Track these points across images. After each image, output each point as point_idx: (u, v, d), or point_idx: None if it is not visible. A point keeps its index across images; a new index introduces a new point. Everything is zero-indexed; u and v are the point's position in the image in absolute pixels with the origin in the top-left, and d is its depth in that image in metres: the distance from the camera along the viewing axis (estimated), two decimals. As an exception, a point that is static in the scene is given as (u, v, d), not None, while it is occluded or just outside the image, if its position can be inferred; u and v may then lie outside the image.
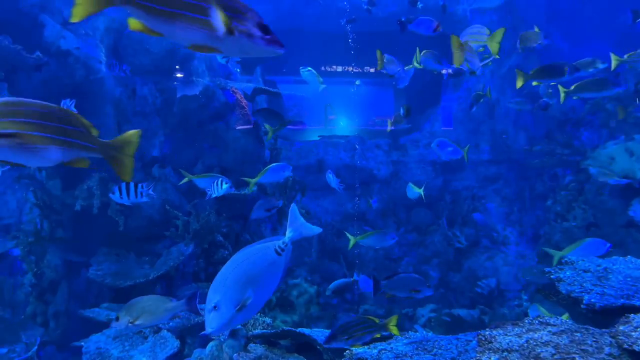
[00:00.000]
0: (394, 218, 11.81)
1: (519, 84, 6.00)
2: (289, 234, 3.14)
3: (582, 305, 3.88)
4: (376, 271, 11.29)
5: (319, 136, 12.78)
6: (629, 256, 4.79)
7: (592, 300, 3.84)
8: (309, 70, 7.77)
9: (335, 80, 14.22)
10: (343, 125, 14.33)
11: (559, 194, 8.90)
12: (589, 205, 8.16)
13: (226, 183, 6.29)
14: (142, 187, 5.29)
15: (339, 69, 14.48)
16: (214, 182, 6.25)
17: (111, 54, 7.45)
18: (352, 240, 6.72)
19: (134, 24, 2.13)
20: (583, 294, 3.97)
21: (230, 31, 2.06)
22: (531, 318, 3.78)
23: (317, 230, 3.33)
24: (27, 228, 6.85)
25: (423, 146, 12.31)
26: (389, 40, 10.72)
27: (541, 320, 3.69)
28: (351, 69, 13.47)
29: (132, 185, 5.27)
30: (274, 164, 6.35)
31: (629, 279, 4.11)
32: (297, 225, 3.21)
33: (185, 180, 6.50)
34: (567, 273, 4.39)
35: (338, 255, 11.34)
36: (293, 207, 3.27)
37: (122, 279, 7.09)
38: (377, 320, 4.25)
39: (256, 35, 2.09)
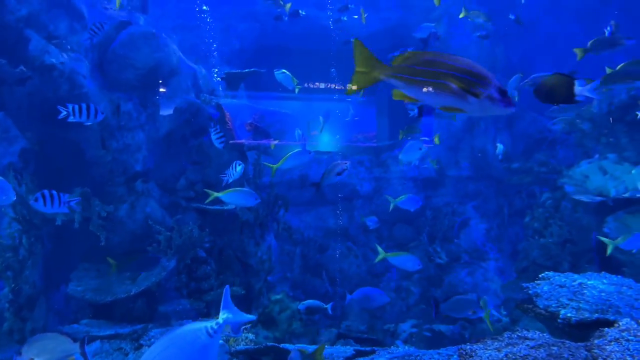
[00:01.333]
0: (376, 234, 11.90)
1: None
2: (223, 315, 2.92)
3: (558, 320, 4.00)
4: (358, 287, 11.33)
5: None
6: (603, 272, 4.95)
7: (568, 314, 3.97)
8: (283, 72, 7.88)
9: (318, 97, 14.38)
10: (326, 141, 14.45)
11: (536, 210, 9.11)
12: (565, 222, 8.37)
13: (239, 165, 6.48)
14: (63, 196, 5.33)
15: (322, 85, 14.65)
16: (229, 168, 6.50)
17: (96, 69, 7.46)
18: (381, 254, 6.87)
19: (397, 94, 2.56)
20: (559, 308, 4.09)
21: (476, 95, 2.40)
22: (510, 333, 3.89)
23: (251, 318, 3.23)
24: (6, 243, 6.74)
25: (404, 162, 12.49)
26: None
27: (519, 334, 3.80)
28: (334, 86, 13.65)
29: (55, 194, 5.28)
30: (295, 151, 6.47)
31: (603, 294, 4.25)
32: (233, 309, 2.98)
33: (212, 198, 6.63)
34: (544, 288, 4.52)
35: (320, 270, 11.37)
36: (226, 289, 3.12)
37: (102, 295, 7.01)
38: (305, 352, 4.43)
39: (497, 98, 2.41)
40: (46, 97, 6.89)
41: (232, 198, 6.62)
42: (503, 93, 2.41)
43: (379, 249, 6.98)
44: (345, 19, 11.57)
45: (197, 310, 7.43)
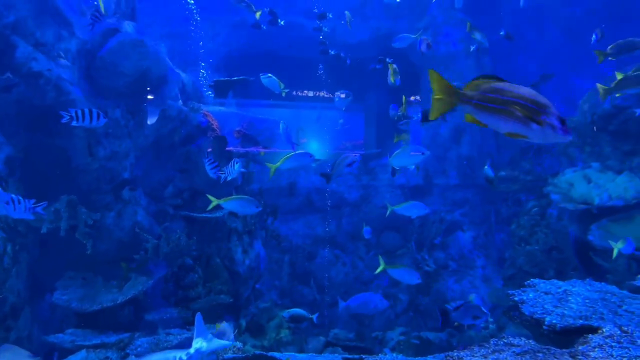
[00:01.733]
0: (364, 241, 11.94)
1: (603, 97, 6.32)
2: (195, 344, 2.88)
3: (544, 326, 4.05)
4: (346, 294, 11.35)
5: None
6: (587, 279, 5.03)
7: (553, 321, 4.02)
8: (269, 76, 7.91)
9: (307, 104, 14.45)
10: (314, 148, 14.49)
11: (522, 218, 9.22)
12: (551, 230, 8.47)
13: (237, 163, 6.45)
14: (28, 202, 5.29)
15: (310, 93, 14.72)
16: (228, 166, 6.47)
17: (83, 76, 7.42)
18: (382, 266, 6.90)
19: (468, 118, 2.78)
20: (545, 315, 4.14)
21: (539, 123, 2.58)
22: (496, 339, 3.92)
23: (226, 345, 3.15)
24: (-10, 251, 6.65)
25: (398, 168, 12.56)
26: (359, 66, 11.03)
27: (506, 341, 3.84)
28: (323, 93, 13.72)
29: (22, 200, 5.23)
30: (297, 152, 6.48)
31: (587, 301, 4.31)
32: (207, 337, 2.94)
33: (214, 204, 6.56)
34: (530, 295, 4.57)
35: (309, 278, 11.36)
36: (198, 317, 3.04)
37: (88, 304, 6.94)
38: None
39: (557, 126, 2.58)
40: (33, 104, 6.84)
41: (233, 205, 6.57)
42: (562, 121, 2.58)
43: (380, 260, 7.01)
44: (326, 29, 11.66)
45: (184, 319, 7.38)
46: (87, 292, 7.26)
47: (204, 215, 8.09)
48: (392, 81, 6.92)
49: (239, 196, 6.63)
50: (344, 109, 7.05)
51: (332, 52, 11.24)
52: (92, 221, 7.12)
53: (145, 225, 7.69)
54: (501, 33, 8.81)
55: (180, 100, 8.71)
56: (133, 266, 7.21)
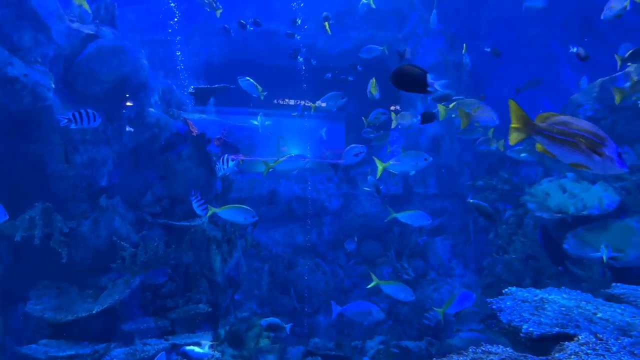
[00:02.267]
0: (344, 250, 11.94)
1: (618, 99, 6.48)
2: None
3: (521, 334, 4.09)
4: (326, 303, 11.32)
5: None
6: (563, 287, 5.11)
7: (530, 329, 4.06)
8: (247, 79, 7.91)
9: (287, 113, 14.45)
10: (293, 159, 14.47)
11: (500, 227, 9.33)
12: (528, 239, 8.59)
13: (232, 160, 6.40)
14: None
15: (292, 102, 14.73)
16: (219, 161, 6.41)
17: (61, 82, 7.31)
18: (375, 281, 6.94)
19: (539, 147, 3.05)
20: (522, 323, 4.19)
21: (600, 155, 2.80)
22: (474, 348, 3.95)
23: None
24: (-39, 260, 6.48)
25: (373, 179, 12.61)
26: (340, 75, 11.07)
27: (484, 349, 3.87)
28: (303, 102, 13.75)
29: None
30: (292, 154, 6.45)
31: (563, 309, 4.37)
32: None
33: (210, 213, 6.54)
34: (508, 303, 4.62)
35: (289, 287, 11.30)
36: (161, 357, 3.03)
37: (63, 314, 6.79)
38: None
39: (615, 158, 2.79)
40: (8, 109, 6.71)
41: (230, 214, 6.53)
42: (619, 155, 2.82)
43: (373, 276, 7.06)
44: (298, 37, 11.74)
45: (162, 329, 7.27)
46: (62, 301, 7.11)
47: (182, 223, 8.02)
48: (373, 93, 6.99)
49: (235, 205, 6.59)
50: (334, 110, 7.07)
51: (314, 63, 11.33)
52: (67, 229, 7.00)
53: (122, 233, 7.58)
54: (487, 49, 8.96)
55: (160, 107, 8.64)
56: None
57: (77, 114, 5.79)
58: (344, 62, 13.20)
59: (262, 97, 8.02)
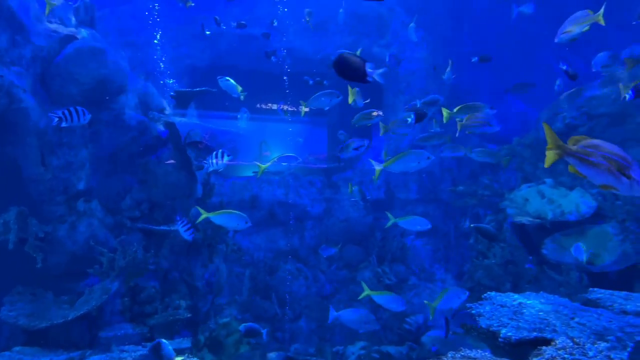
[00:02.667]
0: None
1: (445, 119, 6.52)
2: None
3: (499, 339, 4.11)
4: (307, 308, 11.27)
5: (253, 172, 12.80)
6: (541, 292, 5.16)
7: (509, 333, 4.09)
8: (227, 79, 7.86)
9: (270, 117, 14.42)
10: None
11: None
12: (507, 244, 8.68)
13: (228, 155, 6.30)
14: None
15: (274, 107, 14.69)
16: (212, 155, 6.30)
17: (38, 83, 7.18)
18: (366, 291, 6.97)
19: (571, 169, 3.22)
20: (500, 327, 4.21)
21: (627, 177, 2.98)
22: (454, 352, 3.96)
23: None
24: None
25: (355, 184, 12.63)
26: (322, 80, 11.08)
27: (463, 354, 3.88)
28: (286, 107, 13.74)
29: None
30: (284, 154, 6.45)
31: (541, 313, 4.41)
32: None
33: (202, 217, 6.45)
34: (487, 308, 4.65)
35: (270, 293, 11.22)
36: None
37: (37, 320, 6.64)
38: None
39: None
40: (-18, 111, 6.57)
41: (222, 220, 6.46)
42: None
43: (364, 285, 7.06)
44: (268, 35, 11.79)
45: (141, 335, 7.15)
46: (37, 308, 6.95)
47: (162, 228, 7.91)
48: (350, 102, 6.98)
49: (228, 211, 6.52)
50: (326, 108, 7.05)
51: (288, 62, 11.33)
52: (43, 234, 6.86)
53: (100, 237, 7.45)
54: (474, 59, 9.05)
55: (140, 110, 8.53)
56: None
57: (66, 112, 5.74)
58: (327, 67, 13.26)
59: (242, 97, 7.98)
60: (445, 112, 6.49)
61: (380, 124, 7.36)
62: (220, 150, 6.52)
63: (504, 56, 12.70)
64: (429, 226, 7.42)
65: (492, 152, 7.68)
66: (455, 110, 6.42)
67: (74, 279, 7.33)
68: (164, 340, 6.11)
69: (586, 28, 5.24)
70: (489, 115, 6.38)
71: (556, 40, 5.61)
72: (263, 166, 6.39)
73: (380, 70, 3.98)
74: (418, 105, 7.88)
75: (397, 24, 13.29)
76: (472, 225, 7.36)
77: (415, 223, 7.43)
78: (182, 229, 6.68)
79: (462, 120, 6.32)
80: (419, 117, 6.31)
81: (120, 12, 13.14)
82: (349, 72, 4.00)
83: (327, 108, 7.45)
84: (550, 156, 3.26)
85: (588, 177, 3.15)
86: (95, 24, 8.29)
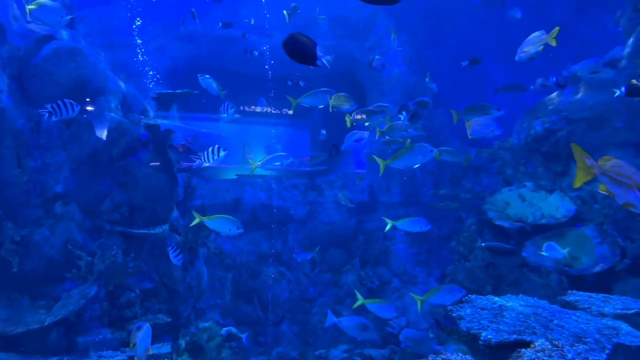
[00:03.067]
0: (309, 258, 11.89)
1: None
2: None
3: (480, 342, 4.13)
4: (290, 312, 11.22)
5: (236, 175, 12.71)
6: (521, 294, 5.20)
7: (489, 336, 4.10)
8: (207, 77, 7.81)
9: (253, 120, 14.35)
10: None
11: (462, 235, 9.48)
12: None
13: (224, 150, 6.26)
14: None
15: (258, 109, 14.63)
16: (206, 150, 6.25)
17: (15, 83, 7.03)
18: (360, 301, 7.10)
19: (603, 188, 3.39)
20: (481, 330, 4.23)
21: None
22: (434, 356, 3.96)
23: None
24: None
25: (338, 187, 12.63)
26: (306, 83, 11.07)
27: (443, 357, 3.88)
28: (269, 110, 13.69)
29: None
30: (277, 153, 6.48)
31: (520, 316, 4.44)
32: None
33: (196, 221, 6.41)
34: (467, 311, 4.66)
35: (252, 296, 11.15)
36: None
37: (13, 326, 6.49)
38: None
39: None
40: (-44, 111, 6.41)
41: (216, 224, 6.45)
42: None
43: (358, 295, 7.09)
44: (244, 34, 11.84)
45: (119, 340, 7.03)
46: (12, 313, 6.79)
47: (142, 231, 7.81)
48: (332, 106, 6.95)
49: (222, 215, 6.52)
50: (320, 107, 7.03)
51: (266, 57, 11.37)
52: (19, 237, 6.72)
53: (78, 241, 7.32)
54: (463, 63, 9.12)
55: (120, 112, 8.41)
56: None
57: (55, 106, 5.68)
58: (311, 70, 13.26)
59: (222, 96, 7.93)
60: (454, 113, 6.59)
61: (377, 128, 7.37)
62: (216, 145, 6.50)
63: (486, 58, 12.84)
64: (429, 226, 7.43)
65: (454, 152, 7.73)
66: (464, 110, 6.52)
67: (51, 284, 7.18)
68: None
69: (540, 48, 5.80)
70: (490, 120, 6.49)
71: (517, 58, 6.07)
72: (256, 164, 6.42)
73: (329, 57, 3.89)
74: (411, 106, 7.93)
75: (380, 28, 13.35)
76: (484, 245, 7.43)
77: (414, 224, 7.42)
78: (172, 255, 6.73)
79: (470, 121, 6.43)
80: (413, 115, 6.33)
81: (101, 12, 12.98)
82: (299, 53, 3.82)
83: (321, 106, 7.42)
84: (581, 174, 3.44)
85: (616, 196, 3.34)
86: (74, 25, 8.16)
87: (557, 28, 5.54)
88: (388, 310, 6.84)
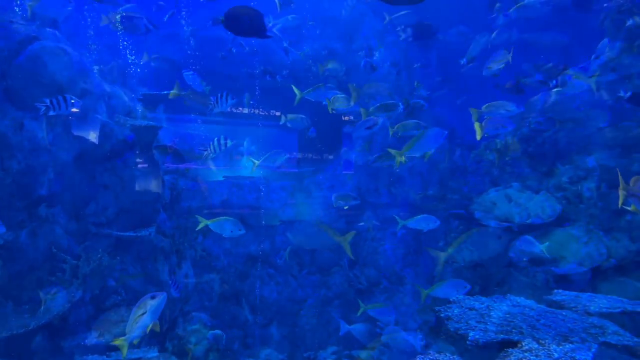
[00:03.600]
0: (297, 259, 11.86)
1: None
2: None
3: (467, 342, 4.14)
4: (279, 314, 11.17)
5: (223, 176, 12.63)
6: (508, 294, 5.22)
7: (476, 336, 4.12)
8: (192, 73, 7.80)
9: (241, 121, 14.28)
10: (248, 165, 14.30)
11: (449, 236, 9.51)
12: (476, 247, 8.80)
13: (230, 141, 6.36)
14: None
15: (245, 110, 14.57)
16: (212, 141, 6.32)
17: (-3, 83, 6.92)
18: (362, 308, 7.63)
19: (634, 208, 3.80)
20: (468, 330, 4.24)
21: None
22: (422, 356, 3.96)
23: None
24: None
25: (326, 188, 12.61)
26: (295, 83, 11.05)
27: (431, 357, 3.88)
28: (257, 111, 13.64)
29: None
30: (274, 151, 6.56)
31: (508, 316, 4.46)
32: None
33: (202, 225, 6.61)
34: (455, 311, 4.68)
35: (240, 298, 11.09)
36: None
37: (-5, 331, 6.38)
38: None
39: None
40: (-63, 112, 6.29)
41: (219, 227, 6.61)
42: None
43: (360, 303, 7.21)
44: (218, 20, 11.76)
45: (105, 344, 6.95)
46: (-5, 317, 6.68)
47: (129, 234, 7.73)
48: (330, 111, 7.05)
49: (224, 217, 6.69)
50: (324, 102, 7.07)
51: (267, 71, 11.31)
52: (2, 240, 6.60)
53: (63, 244, 7.23)
54: (462, 61, 9.21)
55: (105, 114, 8.32)
56: None
57: (54, 100, 5.64)
58: (299, 71, 13.23)
59: (207, 92, 7.92)
60: (473, 111, 6.73)
61: (390, 127, 7.44)
62: (222, 136, 6.63)
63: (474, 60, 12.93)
64: (438, 223, 7.46)
65: (411, 126, 7.83)
66: (483, 108, 6.68)
67: (36, 287, 7.07)
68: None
69: (502, 66, 6.48)
70: (503, 117, 6.65)
71: (484, 73, 6.65)
72: (257, 162, 6.55)
73: (279, 25, 3.55)
74: (410, 102, 8.01)
75: (367, 29, 13.37)
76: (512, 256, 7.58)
77: (425, 222, 7.46)
78: (172, 288, 7.10)
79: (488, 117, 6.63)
80: (410, 108, 6.42)
81: (87, 12, 12.83)
82: (243, 25, 3.47)
83: (324, 102, 7.41)
84: (622, 195, 4.03)
85: None
86: (58, 24, 8.06)
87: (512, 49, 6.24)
88: (388, 314, 7.05)
